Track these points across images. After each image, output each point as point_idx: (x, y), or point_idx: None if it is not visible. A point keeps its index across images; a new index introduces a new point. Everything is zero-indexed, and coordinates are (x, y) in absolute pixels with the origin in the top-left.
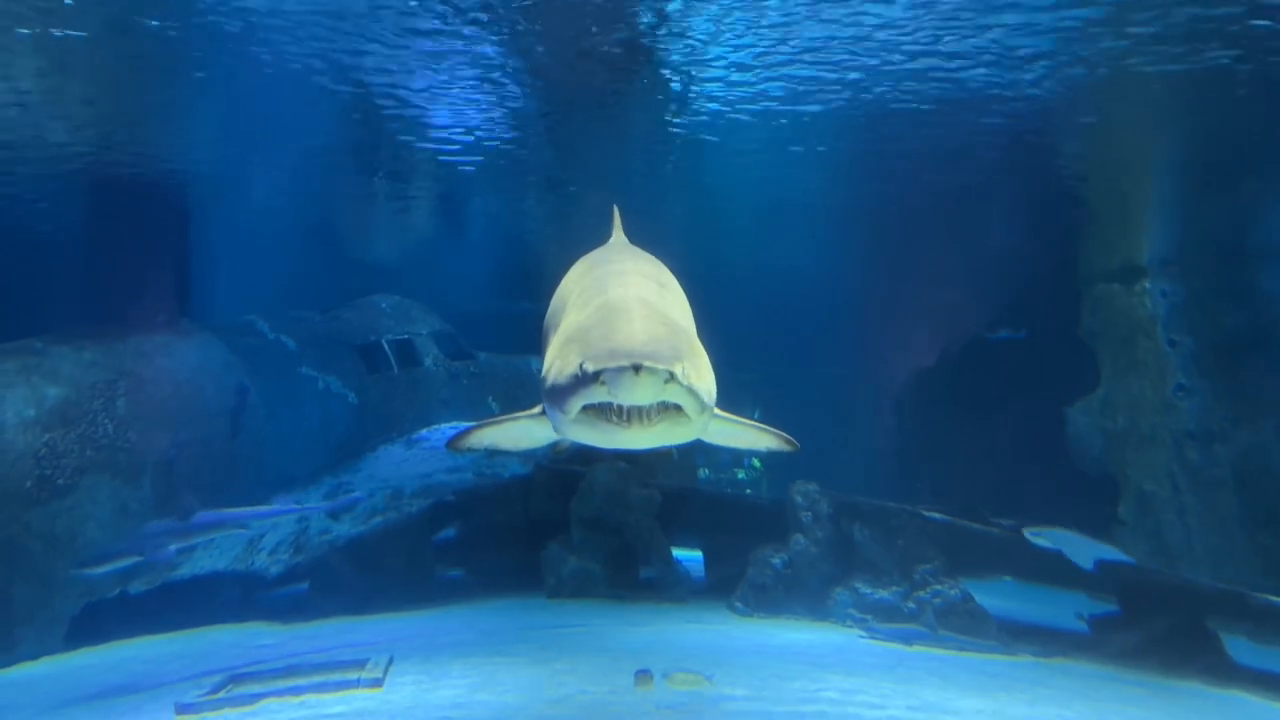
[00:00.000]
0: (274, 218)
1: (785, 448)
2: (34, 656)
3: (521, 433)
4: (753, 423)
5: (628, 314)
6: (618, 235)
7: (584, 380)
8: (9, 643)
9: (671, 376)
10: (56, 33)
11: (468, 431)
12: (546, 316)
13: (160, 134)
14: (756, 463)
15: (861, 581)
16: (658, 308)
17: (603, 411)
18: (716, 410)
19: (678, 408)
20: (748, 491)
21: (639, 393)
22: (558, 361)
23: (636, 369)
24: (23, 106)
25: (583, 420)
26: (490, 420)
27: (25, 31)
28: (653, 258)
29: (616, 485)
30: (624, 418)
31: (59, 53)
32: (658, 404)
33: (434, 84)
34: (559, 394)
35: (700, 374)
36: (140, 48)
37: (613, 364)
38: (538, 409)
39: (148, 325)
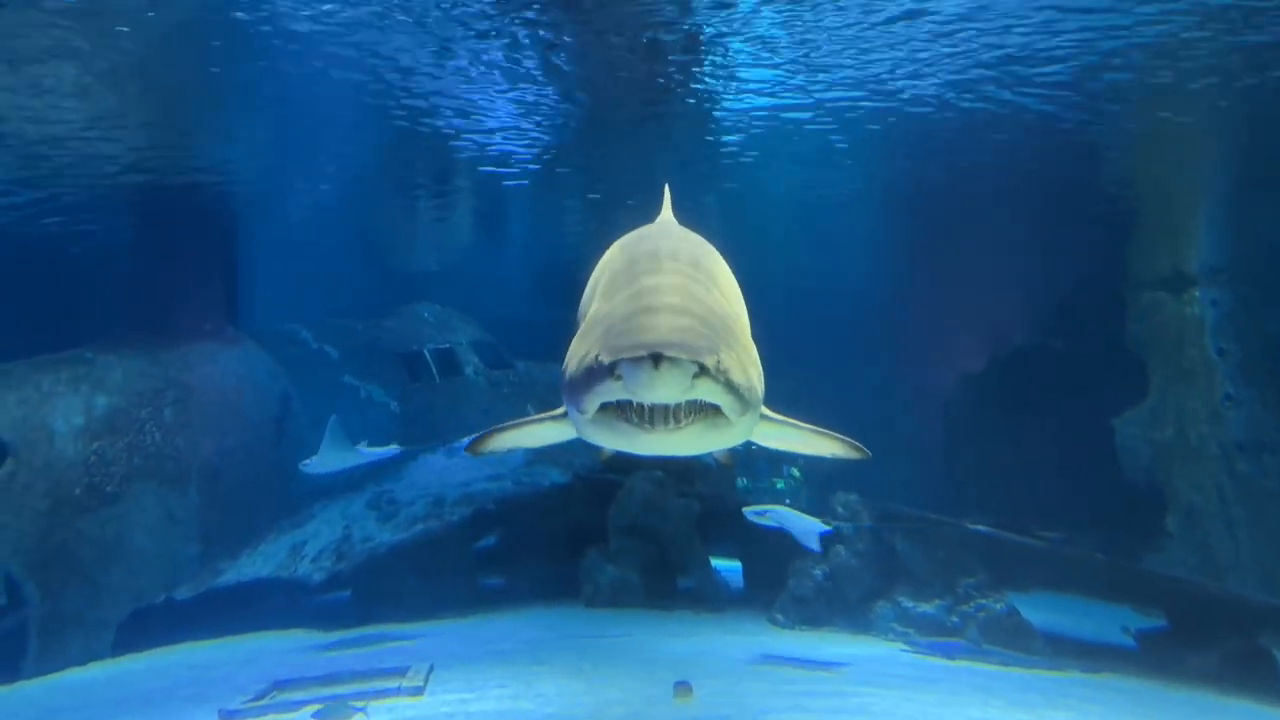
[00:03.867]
0: (317, 227)
1: (852, 454)
2: (83, 661)
3: (545, 435)
4: (812, 426)
5: (656, 298)
6: (665, 214)
7: (599, 374)
8: (60, 647)
9: (702, 370)
10: (109, 49)
11: (488, 434)
12: (580, 305)
13: (208, 147)
14: (796, 472)
15: (904, 594)
16: (695, 292)
17: (623, 411)
18: (767, 411)
19: (715, 408)
20: (787, 502)
21: (661, 389)
22: (576, 354)
23: (656, 361)
24: (76, 122)
25: (601, 421)
26: (511, 423)
27: (80, 47)
28: (699, 238)
29: (654, 494)
30: (647, 418)
31: (111, 69)
32: (688, 403)
33: (478, 96)
34: (576, 390)
35: (741, 369)
36: (188, 63)
37: (630, 355)
38: (561, 410)
39: (195, 334)
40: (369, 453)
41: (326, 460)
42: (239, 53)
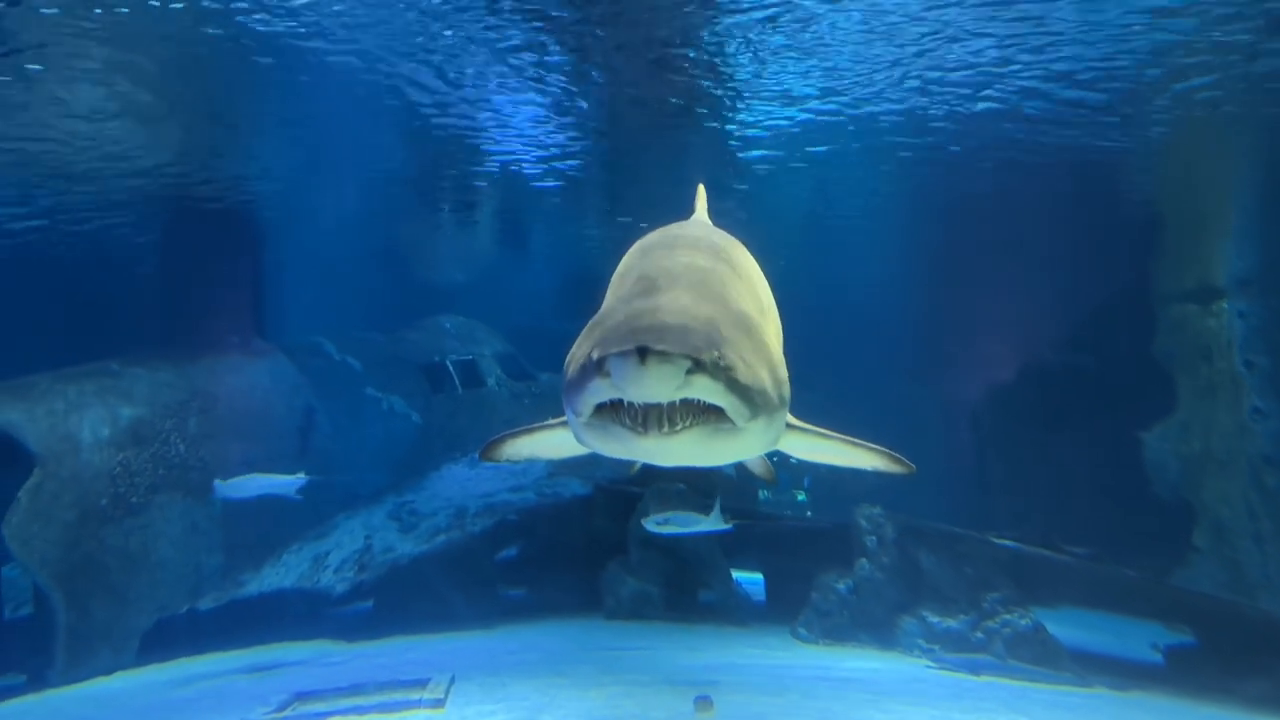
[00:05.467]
0: (343, 241)
1: (895, 468)
2: (109, 671)
3: (559, 442)
4: (847, 437)
5: (658, 293)
6: (698, 214)
7: (590, 372)
8: (87, 657)
9: (697, 366)
10: (141, 66)
11: (499, 440)
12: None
13: (235, 161)
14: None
15: (929, 610)
16: (705, 288)
17: (618, 414)
18: (795, 421)
19: (719, 411)
20: (808, 514)
21: (649, 385)
22: (573, 355)
23: (643, 354)
24: (107, 138)
25: (595, 425)
26: (521, 429)
27: (104, 62)
28: (727, 235)
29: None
30: (640, 421)
31: (142, 87)
32: (686, 404)
33: (503, 108)
34: (571, 392)
35: (750, 368)
36: (218, 80)
37: (617, 349)
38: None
39: (221, 346)
40: (265, 481)
41: (223, 488)
42: (267, 69)
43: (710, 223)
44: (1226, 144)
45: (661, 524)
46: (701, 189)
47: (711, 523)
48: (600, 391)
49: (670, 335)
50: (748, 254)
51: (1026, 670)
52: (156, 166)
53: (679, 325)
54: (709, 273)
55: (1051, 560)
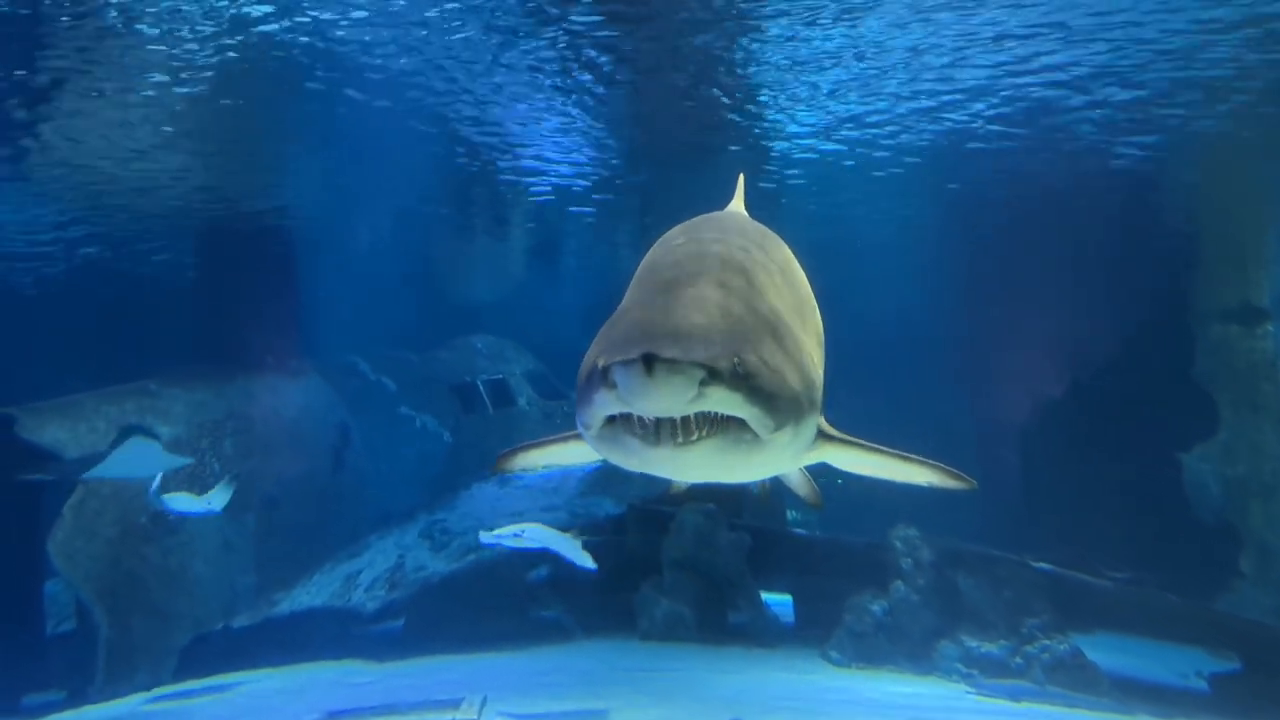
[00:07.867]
0: (376, 261)
1: (951, 484)
2: (148, 687)
3: (574, 452)
4: (894, 451)
5: (674, 291)
6: (734, 205)
7: (595, 383)
8: (127, 673)
9: (712, 375)
10: (180, 95)
11: (511, 453)
12: None
13: (273, 184)
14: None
15: (968, 634)
16: (735, 282)
17: (630, 425)
18: (834, 432)
19: (739, 422)
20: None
21: (657, 398)
22: (584, 360)
23: (649, 362)
24: (146, 161)
25: (607, 437)
26: (533, 443)
27: (151, 94)
28: (762, 227)
29: (705, 527)
30: (652, 432)
31: (182, 114)
32: (702, 416)
33: (533, 129)
34: (580, 403)
35: (776, 374)
36: (255, 105)
37: (621, 358)
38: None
39: (257, 366)
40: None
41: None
42: (308, 97)
43: (747, 213)
44: (1268, 162)
45: (517, 537)
46: (741, 178)
47: (563, 537)
48: (607, 404)
49: (682, 340)
50: (786, 247)
51: (1066, 696)
52: (197, 190)
53: (693, 327)
54: (737, 266)
55: (1091, 584)
